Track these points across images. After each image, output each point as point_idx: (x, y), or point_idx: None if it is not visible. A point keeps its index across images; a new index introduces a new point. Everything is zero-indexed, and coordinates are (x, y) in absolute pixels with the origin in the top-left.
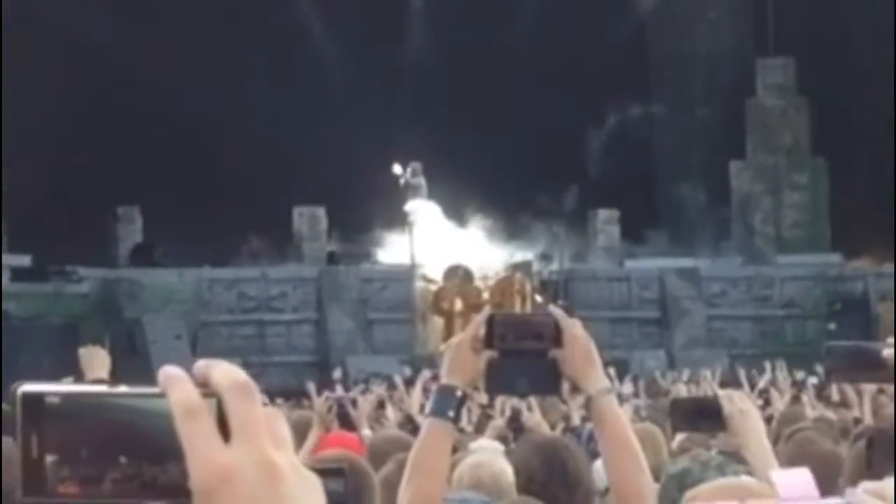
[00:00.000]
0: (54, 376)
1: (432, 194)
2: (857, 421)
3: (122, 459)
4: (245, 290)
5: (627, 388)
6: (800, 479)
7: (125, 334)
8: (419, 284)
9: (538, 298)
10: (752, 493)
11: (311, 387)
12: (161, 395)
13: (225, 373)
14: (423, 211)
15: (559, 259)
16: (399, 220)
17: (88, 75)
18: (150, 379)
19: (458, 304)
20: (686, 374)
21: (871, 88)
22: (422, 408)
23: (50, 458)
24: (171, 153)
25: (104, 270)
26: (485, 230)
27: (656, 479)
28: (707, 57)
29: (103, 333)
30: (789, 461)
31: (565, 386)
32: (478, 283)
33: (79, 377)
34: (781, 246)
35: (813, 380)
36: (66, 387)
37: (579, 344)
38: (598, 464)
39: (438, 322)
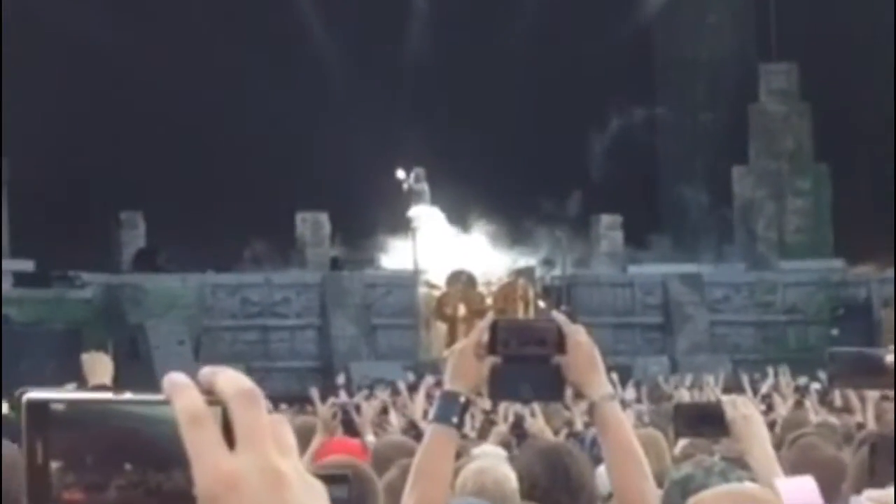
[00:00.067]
0: (57, 382)
1: (435, 200)
2: (860, 426)
3: (128, 466)
4: (248, 296)
5: (630, 393)
6: (804, 487)
7: (128, 340)
8: (422, 290)
9: (541, 304)
10: (756, 499)
11: (314, 392)
12: (166, 403)
13: (230, 380)
14: (427, 216)
15: (562, 265)
16: (402, 226)
17: (90, 79)
18: (154, 384)
19: (462, 310)
20: (689, 379)
21: (873, 94)
22: (425, 413)
23: (55, 465)
24: (174, 158)
25: (107, 276)
26: (488, 235)
27: (659, 484)
28: (710, 62)
29: (106, 339)
30: (792, 467)
31: (568, 392)
32: (481, 288)
33: (82, 383)
34: (784, 251)
35: (816, 385)
36: (71, 394)
37: (582, 350)
38: (601, 469)
39: (442, 328)
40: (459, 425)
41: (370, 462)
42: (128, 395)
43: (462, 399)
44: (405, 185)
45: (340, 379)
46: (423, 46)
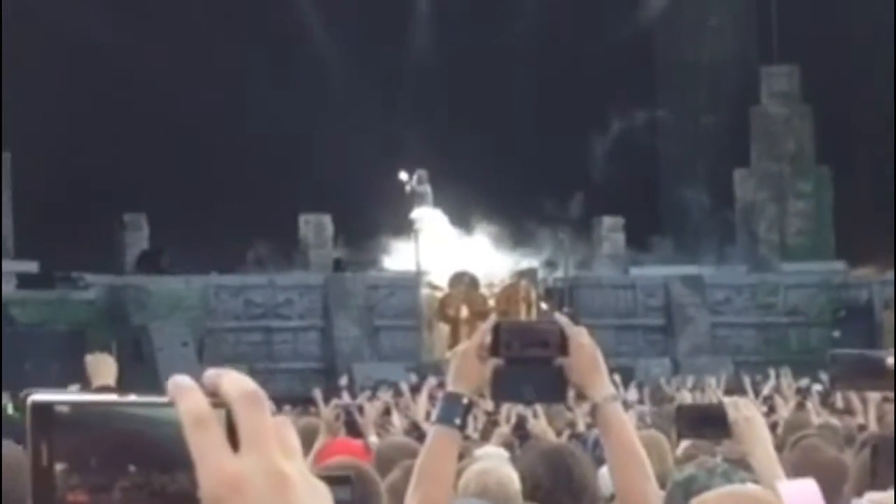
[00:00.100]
0: (61, 383)
1: (438, 201)
2: (862, 428)
3: (132, 468)
4: (251, 297)
5: (632, 395)
6: (806, 490)
7: (132, 341)
8: (425, 291)
9: (543, 306)
10: (758, 500)
11: (317, 393)
12: (170, 405)
13: (234, 382)
14: (429, 218)
15: (564, 266)
16: (405, 228)
17: (94, 80)
18: (157, 386)
19: (464, 312)
20: (691, 381)
21: (875, 97)
22: (427, 415)
23: (59, 467)
24: (178, 160)
25: (111, 277)
26: (490, 237)
27: (661, 485)
28: (711, 64)
29: (110, 340)
30: (794, 468)
31: (571, 393)
32: (483, 290)
33: (85, 384)
34: (786, 253)
35: (817, 387)
36: (76, 396)
37: (585, 351)
38: (604, 470)
39: (444, 329)
40: (462, 427)
41: (373, 463)
42: (132, 398)
43: (465, 401)
44: (408, 187)
45: (343, 380)
46: (426, 48)
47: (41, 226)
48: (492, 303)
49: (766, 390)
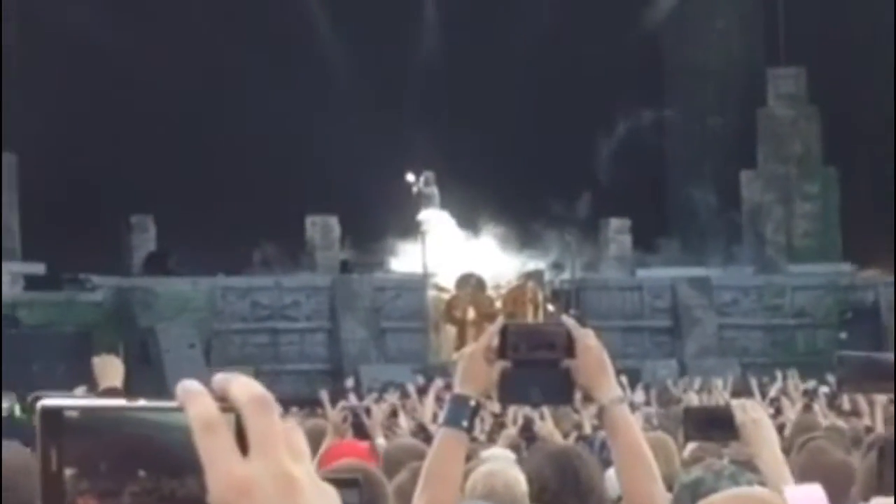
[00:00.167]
0: (67, 385)
1: (445, 203)
2: (869, 430)
3: (141, 473)
4: (258, 299)
5: (639, 396)
6: (812, 496)
7: (139, 343)
8: (432, 293)
9: (550, 308)
10: (765, 502)
11: (323, 395)
12: (180, 409)
13: (243, 387)
14: (436, 220)
15: (571, 268)
16: (412, 229)
17: (102, 82)
18: (164, 387)
19: (471, 313)
20: (697, 382)
21: (881, 98)
22: (434, 416)
23: (69, 472)
24: (184, 162)
25: (118, 279)
26: (497, 238)
27: (668, 487)
28: (718, 67)
29: (117, 342)
30: (801, 470)
31: (577, 395)
32: (490, 292)
33: (92, 386)
34: (792, 255)
35: (824, 389)
36: (85, 401)
37: (592, 354)
38: (611, 472)
39: (451, 331)
40: (469, 429)
41: (381, 465)
42: (141, 402)
43: (472, 403)
44: (415, 189)
45: (349, 382)
46: (433, 50)
47: (48, 228)
48: (498, 304)
49: (772, 392)
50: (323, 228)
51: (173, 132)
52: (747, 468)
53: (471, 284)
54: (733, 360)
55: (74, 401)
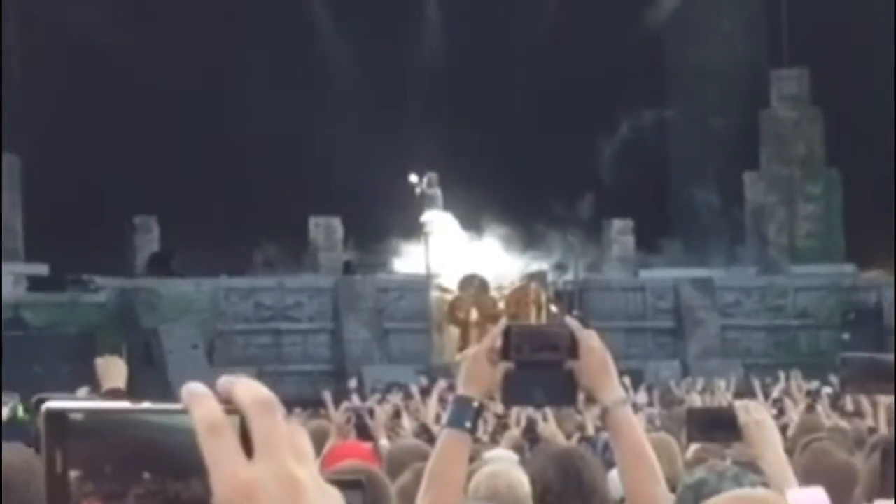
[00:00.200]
0: (71, 386)
1: (448, 204)
2: (872, 430)
3: (146, 475)
4: (261, 300)
5: (642, 397)
6: (815, 499)
7: (142, 344)
8: (435, 294)
9: (553, 309)
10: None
11: (326, 396)
12: (184, 412)
13: (248, 389)
14: (439, 221)
15: (574, 269)
16: (415, 230)
17: (105, 83)
18: (168, 389)
19: (474, 314)
20: (700, 383)
21: (884, 99)
22: (438, 417)
23: (74, 474)
24: (188, 163)
25: (121, 280)
26: (500, 239)
27: (671, 489)
28: (721, 68)
29: (120, 343)
30: (804, 472)
31: (580, 396)
32: (493, 293)
33: (95, 387)
34: (795, 256)
35: (827, 389)
36: (90, 403)
37: (595, 355)
38: (614, 473)
39: (454, 332)
40: (473, 430)
41: (385, 466)
42: (146, 405)
43: (475, 404)
44: (418, 190)
45: (353, 383)
46: (436, 50)
47: (52, 228)
48: (501, 306)
49: (775, 393)
50: (326, 229)
51: (177, 133)
52: (750, 469)
53: (474, 285)
54: (736, 360)
55: (79, 403)
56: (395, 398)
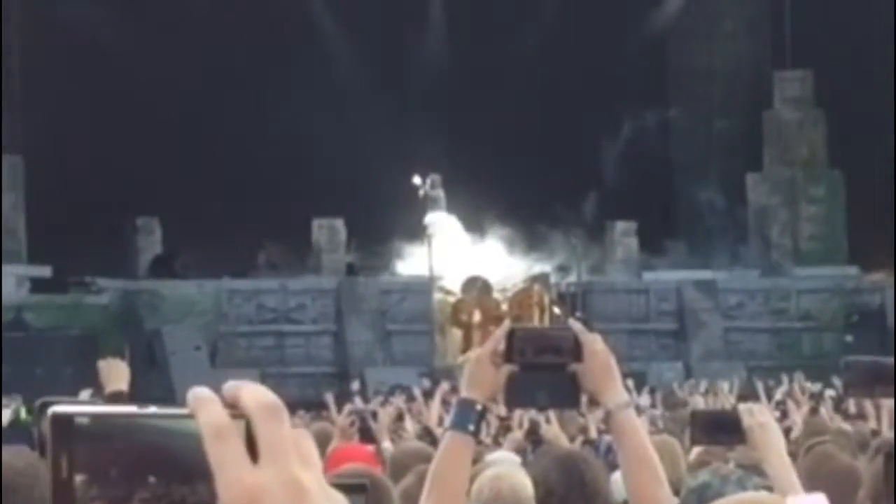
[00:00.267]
0: (73, 388)
1: (451, 206)
2: (875, 433)
3: (152, 479)
4: (264, 302)
5: (645, 399)
6: None
7: (145, 346)
8: (438, 296)
9: (556, 311)
10: None
11: (329, 398)
12: (190, 416)
13: (254, 394)
14: (442, 222)
15: (577, 271)
16: (418, 232)
17: (108, 84)
18: (170, 389)
19: (477, 316)
20: (703, 385)
21: (888, 101)
22: (440, 420)
23: (79, 479)
24: (191, 164)
25: (124, 281)
26: (503, 241)
27: (674, 491)
28: (724, 69)
29: (123, 345)
30: (807, 475)
31: (583, 399)
32: (496, 295)
33: (98, 389)
34: (798, 258)
35: (830, 392)
36: (97, 408)
37: (599, 358)
38: (617, 476)
39: (457, 334)
40: (476, 433)
41: (388, 468)
42: (152, 409)
43: (478, 407)
44: (421, 192)
45: (355, 385)
46: (439, 52)
47: (54, 230)
48: (504, 307)
49: (778, 395)
50: (329, 231)
51: (179, 135)
52: (754, 472)
53: (477, 287)
54: (739, 363)
55: (86, 408)
56: (398, 400)
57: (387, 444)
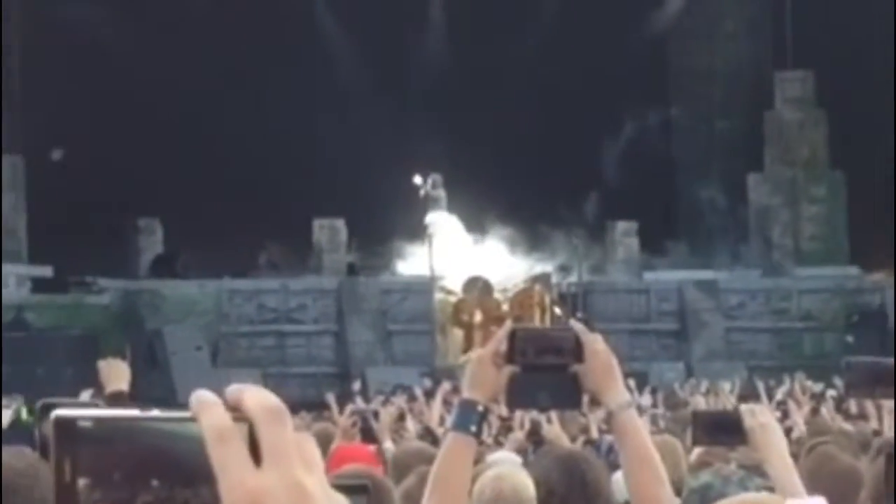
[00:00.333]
0: (74, 388)
1: (452, 206)
2: (876, 433)
3: (155, 483)
4: (265, 302)
5: (646, 399)
6: None
7: (146, 345)
8: (439, 296)
9: (557, 311)
10: None
11: (330, 398)
12: (193, 420)
13: (256, 397)
14: (443, 222)
15: (578, 271)
16: (419, 232)
17: (109, 84)
18: (171, 389)
19: (478, 316)
20: (704, 385)
21: (889, 101)
22: (442, 419)
23: (82, 482)
24: (192, 164)
25: (125, 281)
26: (504, 240)
27: (676, 492)
28: (725, 69)
29: (124, 345)
30: (809, 476)
31: (585, 399)
32: (497, 295)
33: (98, 389)
34: (799, 258)
35: (832, 392)
36: (99, 411)
37: (600, 359)
38: (618, 476)
39: (458, 334)
40: (478, 434)
41: (389, 469)
42: (155, 413)
43: (480, 408)
44: (422, 191)
45: (356, 385)
46: (440, 51)
47: (55, 230)
48: (505, 308)
49: (779, 395)
50: (330, 231)
51: (180, 135)
52: (756, 473)
53: (478, 287)
54: (740, 363)
55: (89, 411)
56: (400, 400)
57: (388, 445)
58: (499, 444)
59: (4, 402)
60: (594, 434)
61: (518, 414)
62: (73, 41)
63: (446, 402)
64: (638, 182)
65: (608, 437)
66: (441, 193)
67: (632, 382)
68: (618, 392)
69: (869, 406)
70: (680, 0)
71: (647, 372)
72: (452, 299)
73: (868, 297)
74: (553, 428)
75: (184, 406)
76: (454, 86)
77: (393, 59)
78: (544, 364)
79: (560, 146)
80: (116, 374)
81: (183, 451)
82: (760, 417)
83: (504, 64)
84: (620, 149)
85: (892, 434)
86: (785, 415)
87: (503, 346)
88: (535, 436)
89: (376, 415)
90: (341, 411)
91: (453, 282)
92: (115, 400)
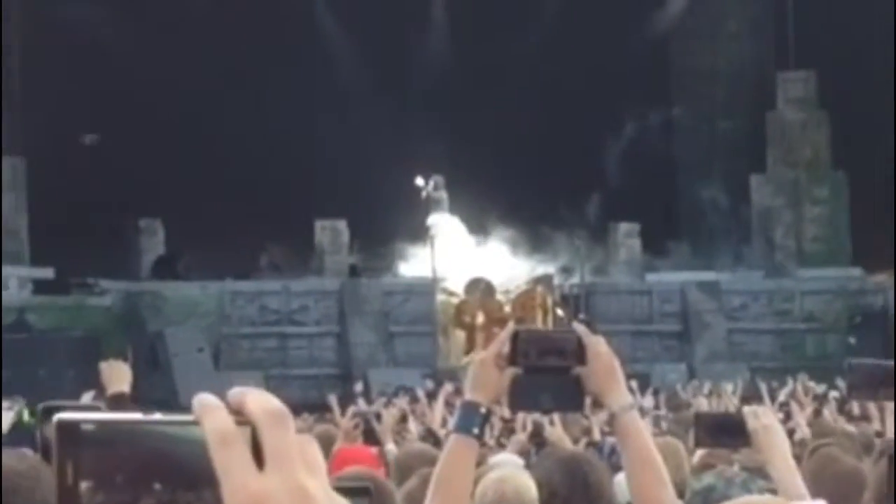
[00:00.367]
0: (75, 390)
1: (454, 207)
2: (879, 434)
3: (157, 486)
4: (267, 303)
5: (648, 401)
6: None
7: (147, 347)
8: (441, 297)
9: (559, 312)
10: None
11: (332, 399)
12: (196, 423)
13: (259, 400)
14: (445, 224)
15: (580, 272)
16: (421, 234)
17: (111, 85)
18: (173, 391)
19: (480, 318)
20: (707, 387)
21: (891, 102)
22: (444, 421)
23: (85, 485)
24: (193, 166)
25: (126, 283)
26: (506, 242)
27: (678, 493)
28: (728, 70)
29: (125, 346)
30: (812, 478)
31: (587, 401)
32: (499, 296)
33: (100, 391)
34: (802, 259)
35: (834, 393)
36: (102, 414)
37: (603, 361)
38: (620, 477)
39: (460, 335)
40: (480, 436)
41: (392, 470)
42: (157, 416)
43: (483, 410)
44: (424, 193)
45: (358, 386)
46: (442, 52)
47: (57, 231)
48: (508, 309)
49: (782, 396)
50: (332, 233)
51: (182, 136)
52: (759, 475)
53: (480, 289)
54: (743, 364)
55: (91, 414)
56: (402, 402)
57: (390, 446)
58: (501, 445)
59: (6, 403)
60: (596, 436)
61: (520, 416)
62: (73, 41)
63: (448, 404)
64: (640, 182)
65: (610, 439)
66: (443, 195)
67: (634, 384)
68: (620, 394)
69: (871, 408)
70: (682, 0)
71: (649, 373)
72: (454, 301)
73: (871, 299)
74: (555, 430)
75: (185, 408)
76: (455, 86)
77: (394, 58)
78: (547, 366)
79: (562, 147)
80: (118, 375)
81: (185, 454)
82: (763, 419)
83: (506, 64)
84: (622, 149)
85: (895, 436)
86: (788, 416)
87: (505, 348)
88: (537, 438)
89: (378, 416)
90: (343, 413)
91: (455, 283)
92: (117, 402)
